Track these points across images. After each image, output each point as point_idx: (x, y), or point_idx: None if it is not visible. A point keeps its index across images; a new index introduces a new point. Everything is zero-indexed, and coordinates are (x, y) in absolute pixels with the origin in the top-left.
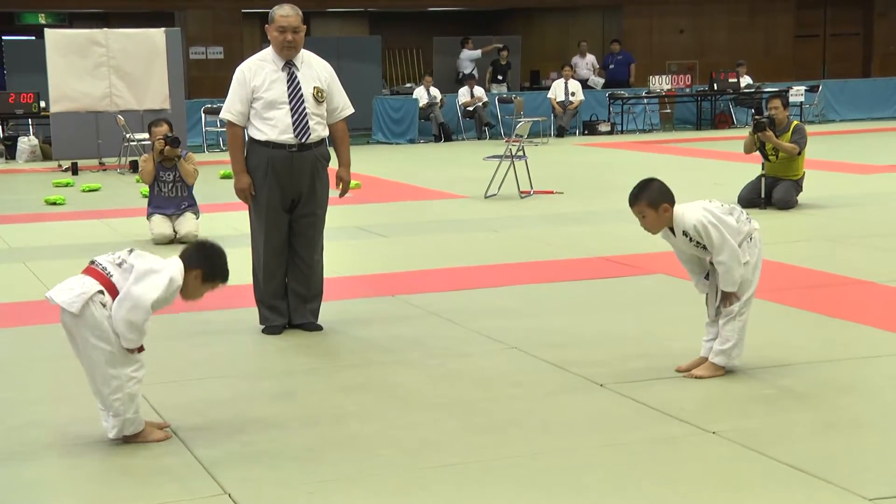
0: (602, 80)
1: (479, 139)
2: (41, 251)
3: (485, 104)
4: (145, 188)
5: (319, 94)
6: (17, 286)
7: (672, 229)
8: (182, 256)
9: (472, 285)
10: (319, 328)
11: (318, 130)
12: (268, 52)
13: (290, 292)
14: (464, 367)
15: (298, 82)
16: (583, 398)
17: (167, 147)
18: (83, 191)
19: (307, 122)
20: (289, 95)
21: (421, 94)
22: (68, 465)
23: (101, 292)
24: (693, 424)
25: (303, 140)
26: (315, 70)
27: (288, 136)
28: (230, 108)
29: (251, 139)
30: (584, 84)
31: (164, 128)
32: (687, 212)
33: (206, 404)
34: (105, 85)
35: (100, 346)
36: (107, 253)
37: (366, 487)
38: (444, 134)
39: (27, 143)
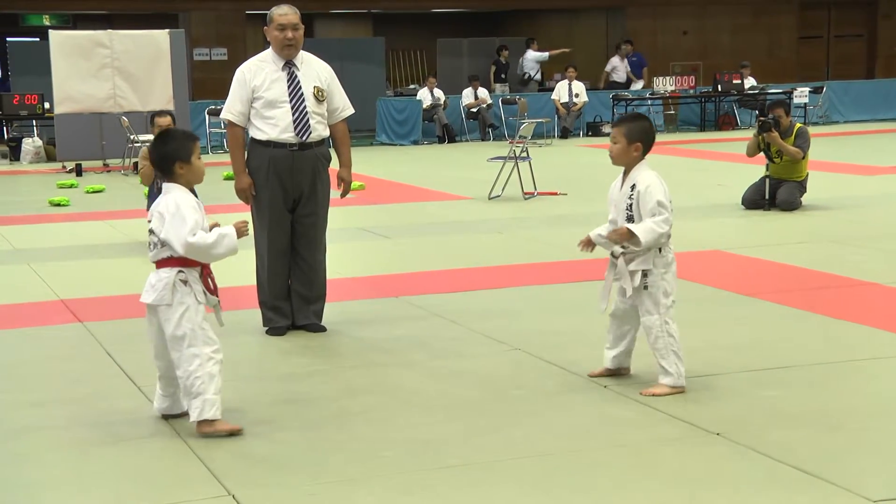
0: (641, 82)
1: (482, 140)
2: (45, 252)
3: (488, 106)
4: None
5: (320, 94)
6: (20, 287)
7: (626, 174)
8: (158, 168)
9: (476, 286)
10: (323, 329)
11: (319, 130)
12: (267, 53)
13: (293, 293)
14: (467, 369)
15: (299, 81)
16: (586, 399)
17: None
18: (87, 192)
19: (308, 120)
20: (289, 94)
21: (424, 96)
22: (72, 467)
23: (179, 271)
24: (696, 425)
25: (304, 139)
26: (315, 70)
27: (289, 135)
28: (230, 109)
29: (252, 139)
30: (626, 86)
31: (167, 119)
32: (648, 172)
33: None
34: (109, 86)
35: (183, 326)
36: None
37: (369, 489)
38: (448, 135)
39: (31, 144)
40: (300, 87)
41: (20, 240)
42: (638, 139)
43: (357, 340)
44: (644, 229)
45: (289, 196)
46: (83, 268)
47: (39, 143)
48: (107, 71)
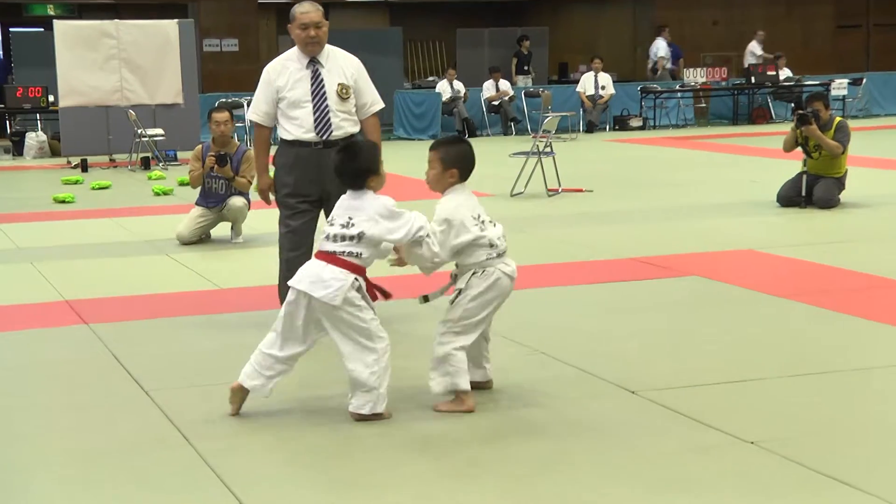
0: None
1: (504, 135)
2: (49, 251)
3: (511, 98)
4: (158, 186)
5: (344, 91)
6: (24, 287)
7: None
8: (348, 180)
9: None
10: None
11: (345, 127)
12: (293, 52)
13: None
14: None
15: (322, 80)
16: (612, 405)
17: (217, 167)
18: (93, 188)
19: (329, 119)
20: (312, 94)
21: (444, 88)
22: (78, 473)
23: (356, 279)
24: (729, 433)
25: (324, 137)
26: (340, 66)
27: (311, 135)
28: (256, 110)
29: (280, 139)
30: (672, 75)
31: (224, 115)
32: (452, 196)
33: (219, 407)
34: (116, 79)
35: (356, 324)
36: (325, 240)
37: (384, 495)
38: (468, 129)
39: (35, 138)
40: (323, 86)
41: (23, 238)
42: (454, 165)
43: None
44: (415, 258)
45: (313, 194)
46: (89, 267)
47: (43, 137)
48: (113, 62)
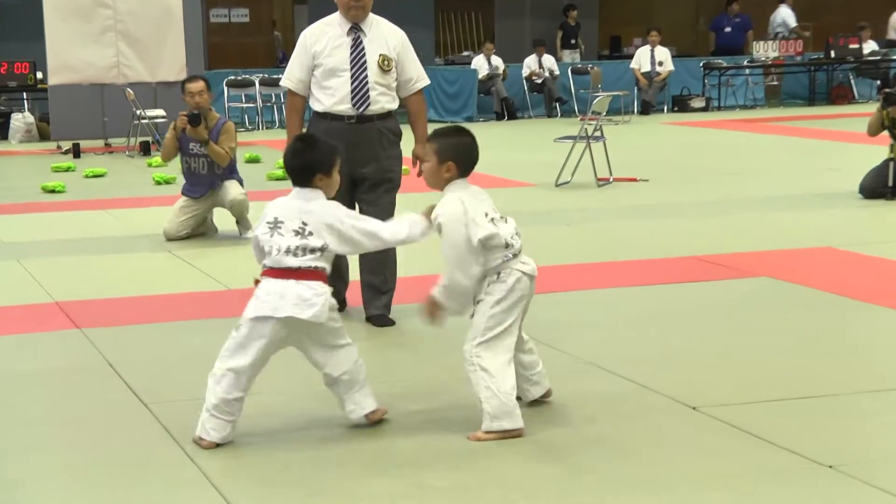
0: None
1: (548, 117)
2: (37, 247)
3: (555, 76)
4: (158, 174)
5: (385, 63)
6: (9, 287)
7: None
8: (294, 175)
9: (539, 289)
10: (392, 323)
11: (382, 102)
12: (334, 17)
13: (362, 283)
14: None
15: (363, 48)
16: (672, 423)
17: (189, 128)
18: (86, 176)
19: (368, 91)
20: (351, 62)
21: (480, 65)
22: (71, 495)
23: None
24: (804, 456)
25: (361, 110)
26: (384, 35)
27: (346, 107)
28: (289, 76)
29: (313, 111)
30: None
31: (199, 85)
32: (452, 196)
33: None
34: (112, 53)
35: (334, 328)
36: (273, 251)
37: None
38: (508, 111)
39: (21, 120)
40: (364, 55)
41: (8, 232)
42: (449, 157)
43: (403, 348)
44: (438, 291)
45: (346, 173)
46: (81, 265)
47: (31, 119)
48: (109, 35)
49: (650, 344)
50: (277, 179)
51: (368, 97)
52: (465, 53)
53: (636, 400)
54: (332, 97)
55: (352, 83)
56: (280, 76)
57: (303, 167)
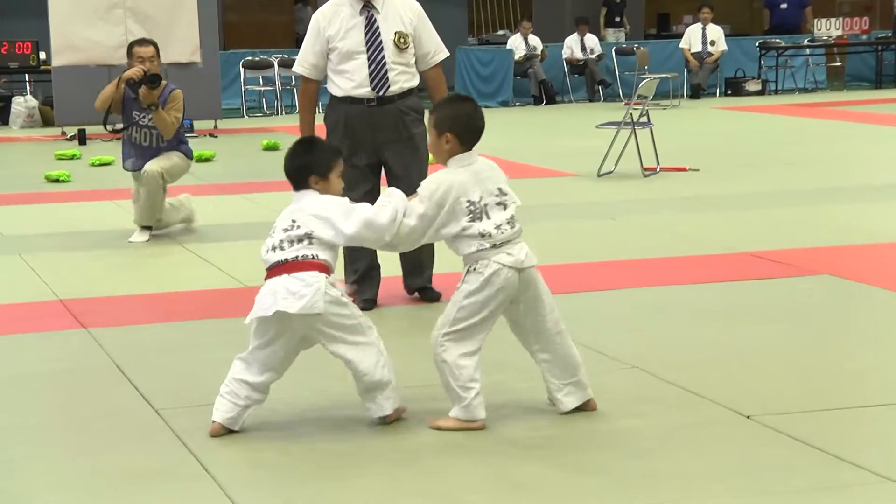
0: None
1: (590, 101)
2: (40, 240)
3: (598, 56)
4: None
5: (402, 41)
6: (10, 284)
7: None
8: (289, 176)
9: (581, 287)
10: (438, 296)
11: (401, 81)
12: None
13: (402, 259)
14: None
15: (378, 28)
16: (724, 433)
17: (144, 88)
18: (92, 165)
19: (386, 72)
20: (366, 44)
21: (517, 45)
22: None
23: (326, 277)
24: (871, 470)
25: (381, 93)
26: (398, 11)
27: (365, 90)
28: (302, 61)
29: (330, 95)
30: None
31: (149, 50)
32: (438, 177)
33: (242, 431)
34: (120, 32)
35: (346, 324)
36: (270, 248)
37: None
38: (546, 95)
39: (23, 104)
40: (379, 35)
41: (9, 225)
42: (447, 128)
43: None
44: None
45: (368, 157)
46: (87, 260)
47: (33, 103)
48: (117, 12)
49: (700, 347)
50: None
51: (387, 78)
52: (501, 32)
53: (684, 407)
54: (349, 81)
55: (369, 65)
56: None
57: (297, 169)
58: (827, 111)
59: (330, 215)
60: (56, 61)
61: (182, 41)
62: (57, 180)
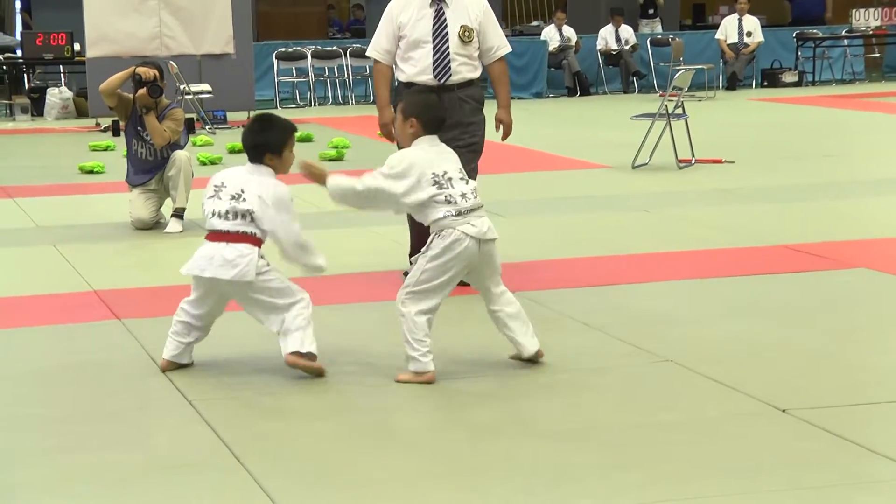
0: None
1: (624, 93)
2: (75, 231)
3: (633, 47)
4: (203, 153)
5: (466, 34)
6: (46, 275)
7: None
8: (247, 152)
9: (615, 280)
10: None
11: (463, 72)
12: None
13: (413, 238)
14: (602, 385)
15: (445, 20)
16: (759, 428)
17: (145, 89)
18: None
19: (448, 62)
20: (433, 34)
21: (551, 36)
22: (110, 497)
23: (260, 253)
24: None
25: (442, 81)
26: (466, 6)
27: (427, 77)
28: (376, 46)
29: (397, 80)
30: None
31: (152, 73)
32: (404, 151)
33: (276, 422)
34: (154, 23)
35: (275, 287)
36: (209, 215)
37: None
38: (580, 86)
39: (58, 95)
40: (445, 26)
41: (44, 215)
42: (412, 114)
43: (463, 344)
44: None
45: None
46: (122, 251)
47: (68, 94)
48: (151, 4)
49: (735, 340)
50: (331, 160)
51: (449, 68)
52: (535, 23)
53: (719, 401)
54: (414, 67)
55: (433, 54)
56: (334, 47)
57: (253, 145)
58: (865, 102)
59: (273, 212)
60: (90, 53)
61: (215, 32)
62: (91, 171)
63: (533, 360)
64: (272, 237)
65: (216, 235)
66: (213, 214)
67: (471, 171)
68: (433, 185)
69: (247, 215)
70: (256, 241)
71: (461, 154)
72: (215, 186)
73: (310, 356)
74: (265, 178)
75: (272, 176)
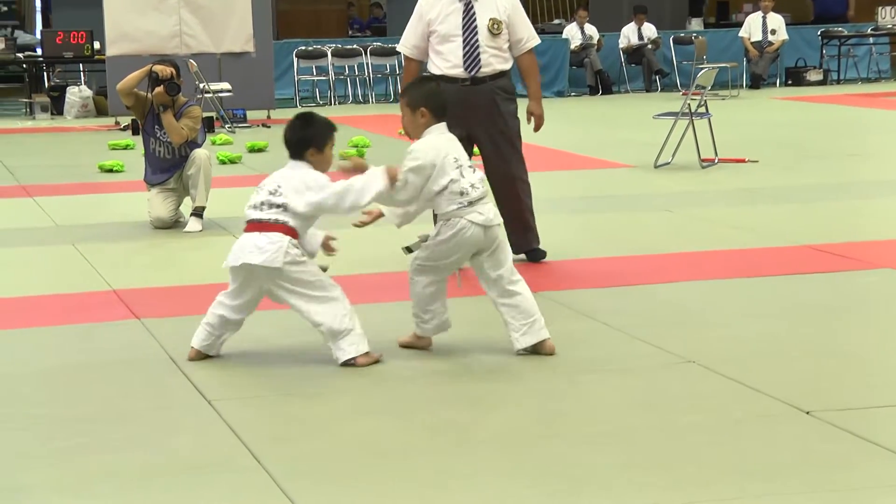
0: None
1: (647, 91)
2: (94, 231)
3: (656, 45)
4: (223, 152)
5: (495, 27)
6: (65, 274)
7: None
8: (289, 148)
9: (637, 280)
10: (544, 254)
11: (494, 64)
12: None
13: (505, 221)
14: (624, 386)
15: (474, 14)
16: (783, 429)
17: (162, 87)
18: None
19: (479, 55)
20: (463, 28)
21: (573, 34)
22: (126, 499)
23: (291, 239)
24: None
25: (473, 73)
26: (494, 0)
27: (459, 70)
28: (406, 42)
29: (431, 74)
30: None
31: (169, 70)
32: (423, 140)
33: (296, 422)
34: (174, 21)
35: (306, 279)
36: (253, 205)
37: None
38: (602, 84)
39: (78, 94)
40: (475, 20)
41: (63, 214)
42: (421, 104)
43: (484, 345)
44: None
45: (460, 131)
46: (141, 250)
47: (88, 93)
48: (171, 2)
49: (759, 341)
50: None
51: (480, 60)
52: (557, 21)
53: (742, 402)
54: (446, 61)
55: (464, 48)
56: (354, 46)
57: (296, 140)
58: (890, 101)
59: (304, 189)
60: (110, 51)
61: (235, 31)
62: (111, 170)
63: (538, 352)
64: (319, 211)
65: (251, 226)
66: (252, 206)
67: (511, 157)
68: (456, 168)
69: (280, 206)
70: (289, 231)
71: (499, 143)
72: (258, 187)
73: (365, 356)
74: (301, 172)
75: (309, 169)
